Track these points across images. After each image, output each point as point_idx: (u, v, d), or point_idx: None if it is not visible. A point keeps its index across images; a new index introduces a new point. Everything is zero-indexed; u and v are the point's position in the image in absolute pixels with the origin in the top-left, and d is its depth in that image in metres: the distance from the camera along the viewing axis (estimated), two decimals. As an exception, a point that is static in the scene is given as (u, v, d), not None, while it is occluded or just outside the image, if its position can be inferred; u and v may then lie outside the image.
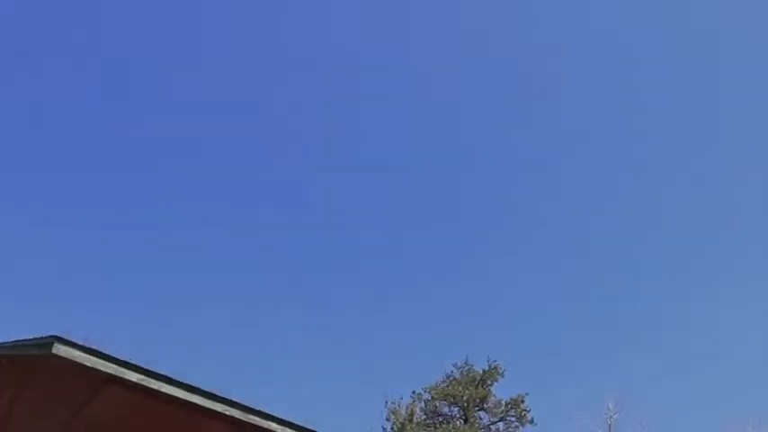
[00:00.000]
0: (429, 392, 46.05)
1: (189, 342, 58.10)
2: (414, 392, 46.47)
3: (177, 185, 58.57)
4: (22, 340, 7.57)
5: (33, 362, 8.19)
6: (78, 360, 6.46)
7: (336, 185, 60.51)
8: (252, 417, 7.74)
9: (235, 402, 7.56)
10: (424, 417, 45.73)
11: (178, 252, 59.61)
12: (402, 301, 63.07)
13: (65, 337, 6.50)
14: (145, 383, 6.85)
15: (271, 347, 63.49)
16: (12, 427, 11.13)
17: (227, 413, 7.50)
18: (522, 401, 45.05)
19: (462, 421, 45.10)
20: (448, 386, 45.84)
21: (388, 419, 45.44)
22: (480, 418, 45.68)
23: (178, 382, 7.12)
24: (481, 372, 46.11)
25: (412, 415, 44.98)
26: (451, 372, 46.78)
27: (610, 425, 41.94)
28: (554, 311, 62.92)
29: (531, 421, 44.89)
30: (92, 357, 6.53)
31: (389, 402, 46.11)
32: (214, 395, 7.40)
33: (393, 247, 63.22)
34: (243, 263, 61.88)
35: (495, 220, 63.22)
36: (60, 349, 6.38)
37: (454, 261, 63.12)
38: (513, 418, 45.30)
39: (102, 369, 6.61)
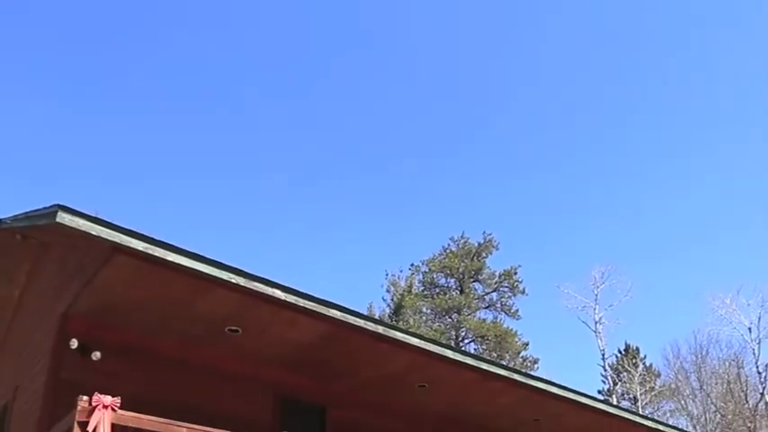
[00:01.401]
0: (427, 265, 46.83)
1: (187, 214, 58.92)
2: (412, 265, 47.37)
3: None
4: (30, 211, 7.44)
5: (44, 234, 8.12)
6: (83, 229, 6.32)
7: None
8: (256, 284, 7.71)
9: (239, 270, 7.50)
10: (422, 288, 46.74)
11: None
12: (401, 171, 63.44)
13: (69, 206, 6.34)
14: (150, 252, 6.75)
15: (272, 217, 64.32)
16: (29, 300, 11.23)
17: (232, 281, 7.46)
18: (515, 273, 45.90)
19: (458, 292, 46.08)
20: (445, 258, 46.55)
21: (388, 291, 46.51)
22: (475, 289, 46.69)
23: (183, 250, 7.03)
24: (476, 245, 46.71)
25: (410, 287, 45.94)
26: (448, 245, 47.46)
27: (596, 294, 42.90)
28: (546, 185, 63.36)
29: (523, 291, 45.95)
30: (96, 226, 6.40)
31: (389, 275, 47.09)
32: (218, 263, 7.34)
33: (392, 116, 62.86)
34: (238, 138, 61.74)
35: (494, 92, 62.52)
36: (65, 218, 6.23)
37: (455, 131, 63.04)
38: (505, 289, 46.29)
39: (107, 238, 6.50)
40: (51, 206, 6.39)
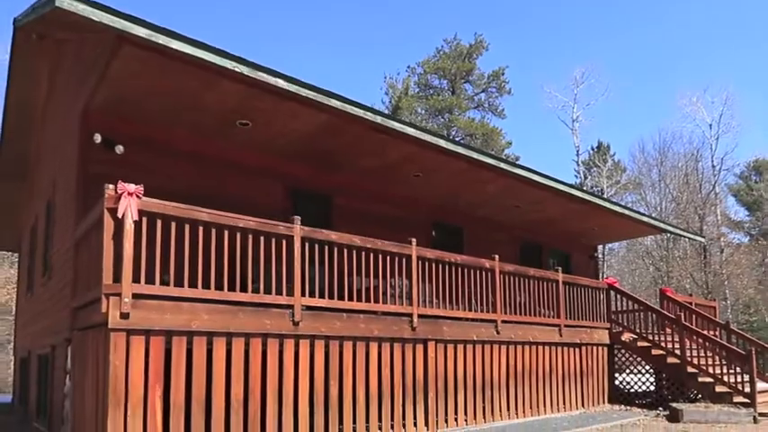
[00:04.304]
0: (422, 66, 45.48)
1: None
2: (408, 67, 46.04)
3: None
4: (34, 2, 6.71)
5: (50, 27, 7.41)
6: (83, 14, 5.68)
7: None
8: (260, 74, 7.18)
9: (243, 59, 6.94)
10: (417, 90, 45.70)
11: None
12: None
13: (67, -10, 5.65)
14: (153, 39, 6.13)
15: (278, 23, 61.89)
16: (54, 101, 10.76)
17: (237, 69, 6.92)
18: (503, 74, 44.68)
19: (450, 93, 45.21)
20: (438, 60, 45.12)
21: (386, 93, 45.56)
22: (465, 90, 45.71)
23: (186, 37, 6.42)
24: (468, 46, 45.03)
25: (407, 88, 44.93)
26: (441, 46, 45.83)
27: (575, 94, 42.10)
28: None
29: (510, 92, 45.02)
30: (97, 11, 5.75)
31: (387, 77, 45.89)
32: (222, 51, 6.76)
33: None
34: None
35: None
36: (63, 2, 5.57)
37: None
38: (493, 89, 45.29)
39: (109, 24, 5.87)
40: (49, -10, 5.70)
